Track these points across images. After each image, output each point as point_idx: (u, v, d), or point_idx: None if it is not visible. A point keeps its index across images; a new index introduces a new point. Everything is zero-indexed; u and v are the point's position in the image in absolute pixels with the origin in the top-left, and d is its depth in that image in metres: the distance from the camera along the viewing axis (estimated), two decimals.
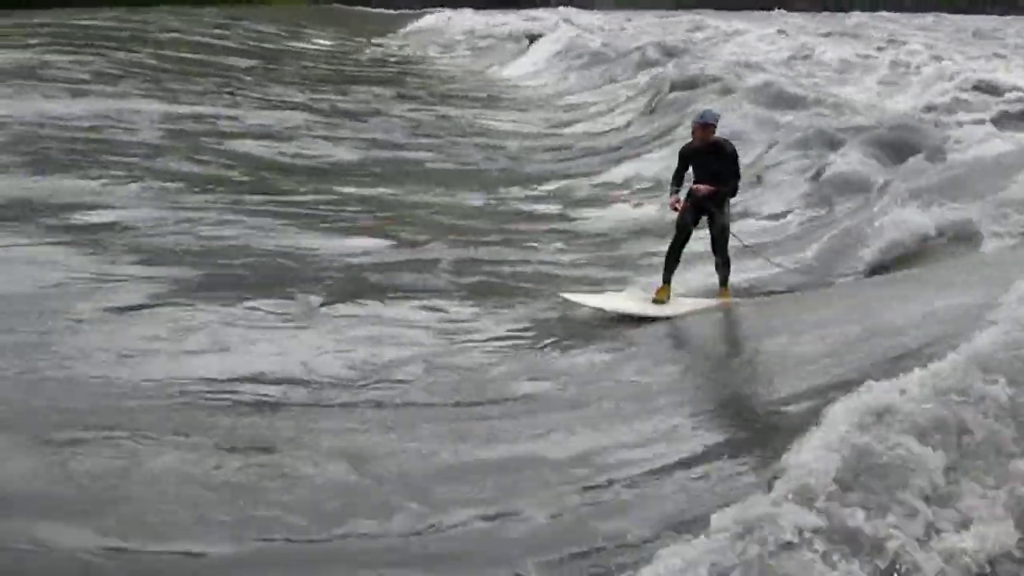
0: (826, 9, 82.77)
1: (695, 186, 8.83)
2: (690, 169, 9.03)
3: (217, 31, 42.65)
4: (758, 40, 39.72)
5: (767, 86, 18.91)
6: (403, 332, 8.03)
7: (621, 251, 11.60)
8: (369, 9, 76.37)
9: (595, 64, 31.80)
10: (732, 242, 9.06)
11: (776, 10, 77.52)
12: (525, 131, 21.97)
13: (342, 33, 52.25)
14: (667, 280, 8.98)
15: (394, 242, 11.17)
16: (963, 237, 9.68)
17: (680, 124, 17.48)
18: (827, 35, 46.37)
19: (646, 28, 50.22)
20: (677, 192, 8.98)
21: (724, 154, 8.83)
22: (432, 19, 59.11)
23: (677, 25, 51.34)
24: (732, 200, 9.17)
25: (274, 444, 5.65)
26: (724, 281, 9.01)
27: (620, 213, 13.62)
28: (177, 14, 50.73)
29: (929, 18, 71.25)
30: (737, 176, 8.91)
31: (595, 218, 13.36)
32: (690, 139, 9.19)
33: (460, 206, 13.89)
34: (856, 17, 65.23)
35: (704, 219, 8.98)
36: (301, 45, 43.54)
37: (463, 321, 8.48)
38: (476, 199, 14.49)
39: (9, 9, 45.67)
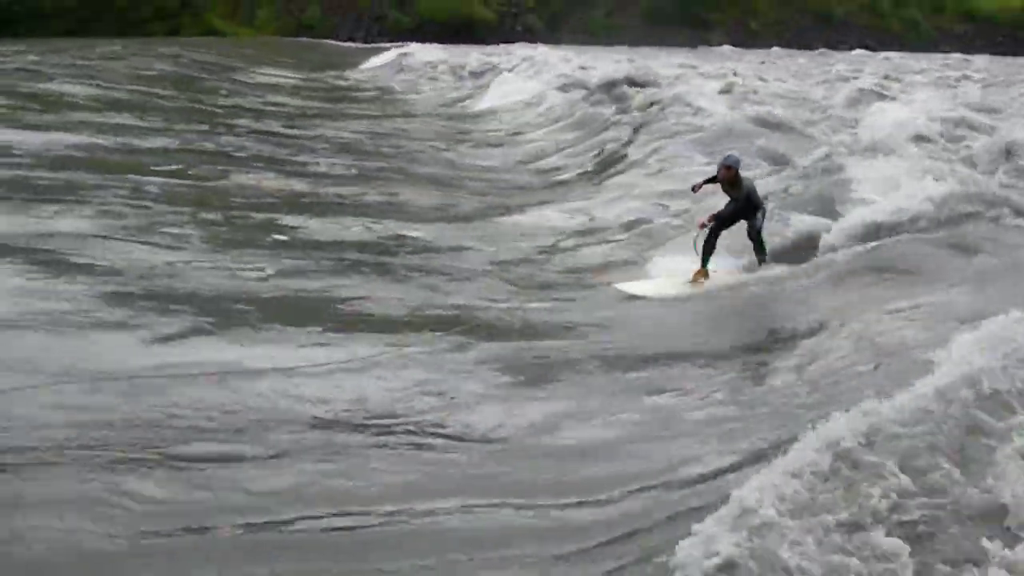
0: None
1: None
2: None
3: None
4: None
5: None
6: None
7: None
8: (339, 43, 77.20)
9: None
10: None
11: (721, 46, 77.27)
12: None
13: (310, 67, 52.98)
14: (704, 263, 11.42)
15: None
16: None
17: None
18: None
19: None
20: (704, 184, 12.10)
21: (740, 188, 11.56)
22: (392, 55, 59.63)
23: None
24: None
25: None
26: (762, 259, 11.68)
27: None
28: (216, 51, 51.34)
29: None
30: (754, 206, 11.58)
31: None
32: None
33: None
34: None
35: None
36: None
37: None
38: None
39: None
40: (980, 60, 68.26)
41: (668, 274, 11.70)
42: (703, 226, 11.49)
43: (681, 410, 7.44)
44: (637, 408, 7.51)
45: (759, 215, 11.59)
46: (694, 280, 11.33)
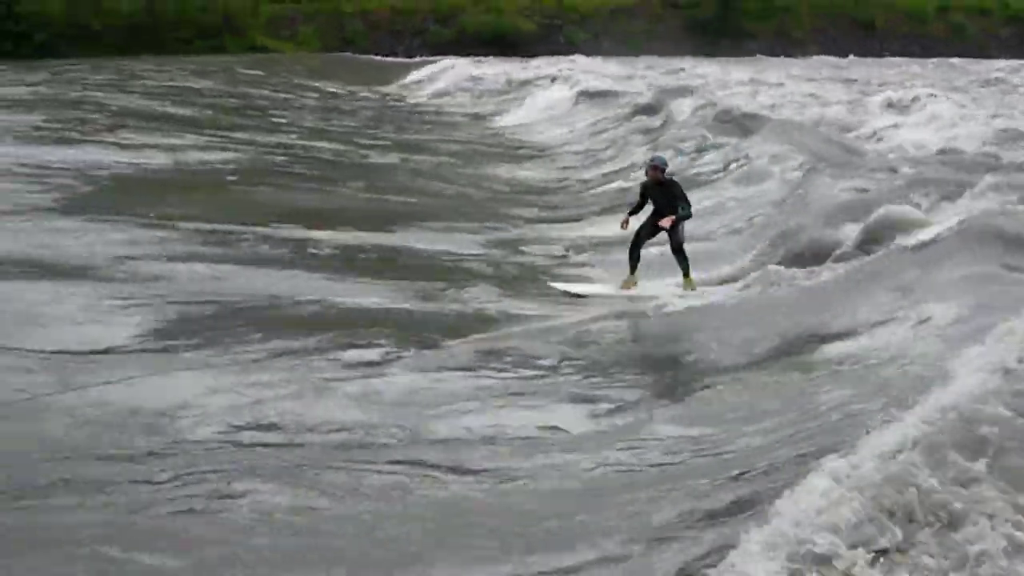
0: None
1: (661, 221, 11.84)
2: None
3: None
4: None
5: None
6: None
7: None
8: (387, 59, 77.38)
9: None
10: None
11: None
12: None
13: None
14: (632, 270, 12.08)
15: None
16: None
17: None
18: None
19: None
20: (629, 217, 12.25)
21: (670, 190, 11.92)
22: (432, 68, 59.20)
23: None
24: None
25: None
26: (686, 273, 11.97)
27: None
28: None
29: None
30: (680, 205, 11.80)
31: None
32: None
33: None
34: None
35: (661, 235, 12.12)
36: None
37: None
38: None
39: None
40: None
41: (608, 281, 12.41)
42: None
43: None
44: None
45: (680, 229, 11.82)
46: (624, 287, 11.94)
